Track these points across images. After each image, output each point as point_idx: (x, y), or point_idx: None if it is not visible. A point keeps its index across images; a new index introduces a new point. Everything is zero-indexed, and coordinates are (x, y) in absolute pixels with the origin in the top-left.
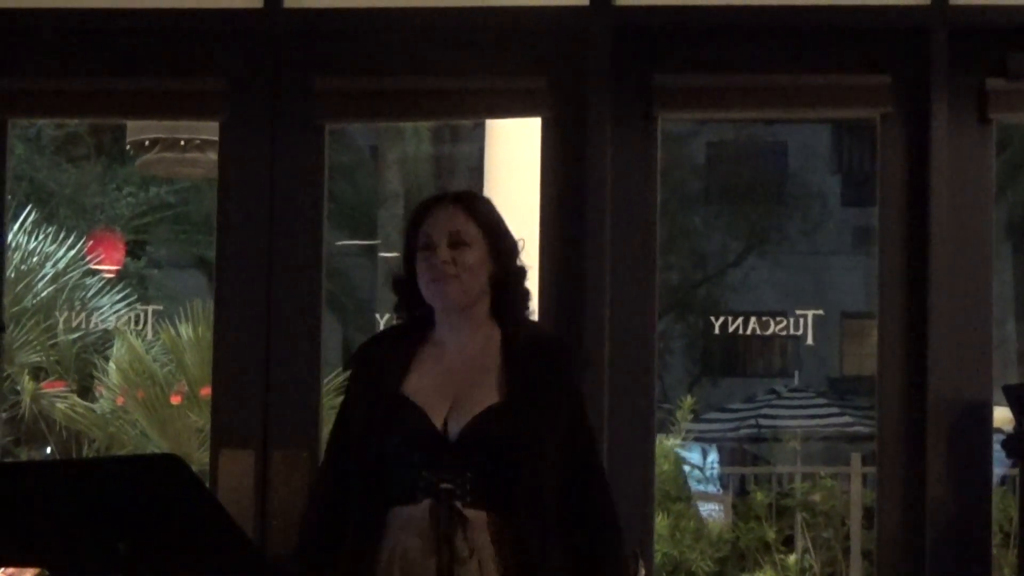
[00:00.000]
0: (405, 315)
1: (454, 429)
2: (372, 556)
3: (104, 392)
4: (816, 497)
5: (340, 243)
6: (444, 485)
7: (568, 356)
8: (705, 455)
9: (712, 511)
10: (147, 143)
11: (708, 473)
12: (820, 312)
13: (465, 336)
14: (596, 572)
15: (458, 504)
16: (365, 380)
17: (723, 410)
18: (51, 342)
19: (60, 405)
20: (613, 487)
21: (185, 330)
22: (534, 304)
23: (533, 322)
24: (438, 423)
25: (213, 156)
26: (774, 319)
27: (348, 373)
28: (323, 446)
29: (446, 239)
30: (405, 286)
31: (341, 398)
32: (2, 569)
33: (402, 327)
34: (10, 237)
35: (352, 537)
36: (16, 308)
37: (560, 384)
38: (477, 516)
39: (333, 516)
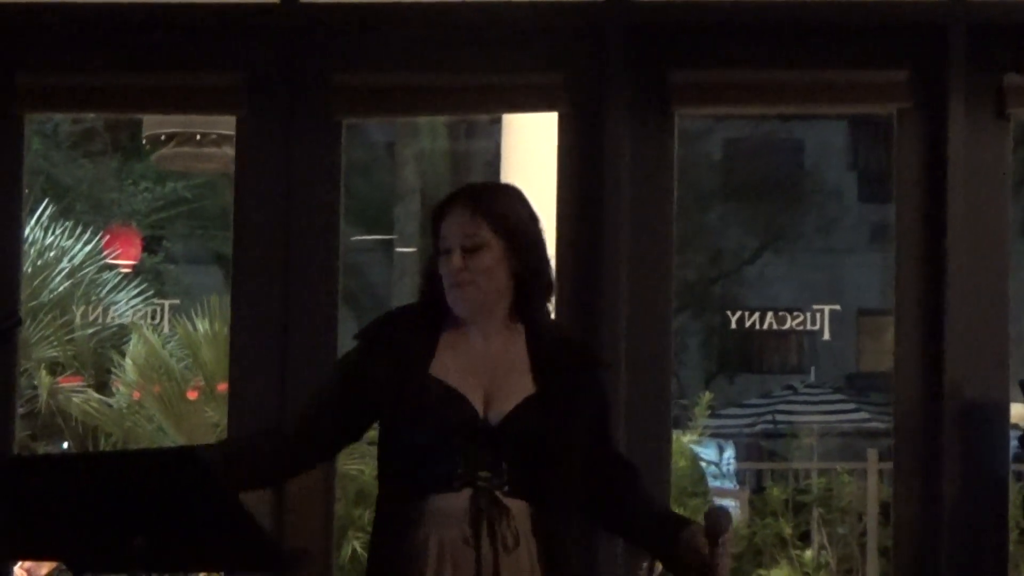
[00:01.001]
0: (425, 297)
1: (494, 417)
2: (410, 543)
3: (120, 387)
4: (833, 493)
5: (356, 238)
6: (483, 474)
7: (595, 359)
8: (721, 451)
9: (728, 507)
10: (163, 138)
11: (724, 469)
12: (837, 307)
13: (489, 329)
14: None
15: (498, 494)
16: (386, 359)
17: (739, 406)
18: (68, 337)
19: (76, 400)
20: None
21: (202, 325)
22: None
23: (556, 323)
24: (480, 410)
25: (229, 151)
26: (791, 315)
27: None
28: None
29: (459, 245)
30: (434, 280)
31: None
32: (19, 563)
33: (418, 309)
34: (27, 232)
35: (383, 525)
36: (33, 303)
37: (588, 385)
38: (515, 506)
39: (298, 444)
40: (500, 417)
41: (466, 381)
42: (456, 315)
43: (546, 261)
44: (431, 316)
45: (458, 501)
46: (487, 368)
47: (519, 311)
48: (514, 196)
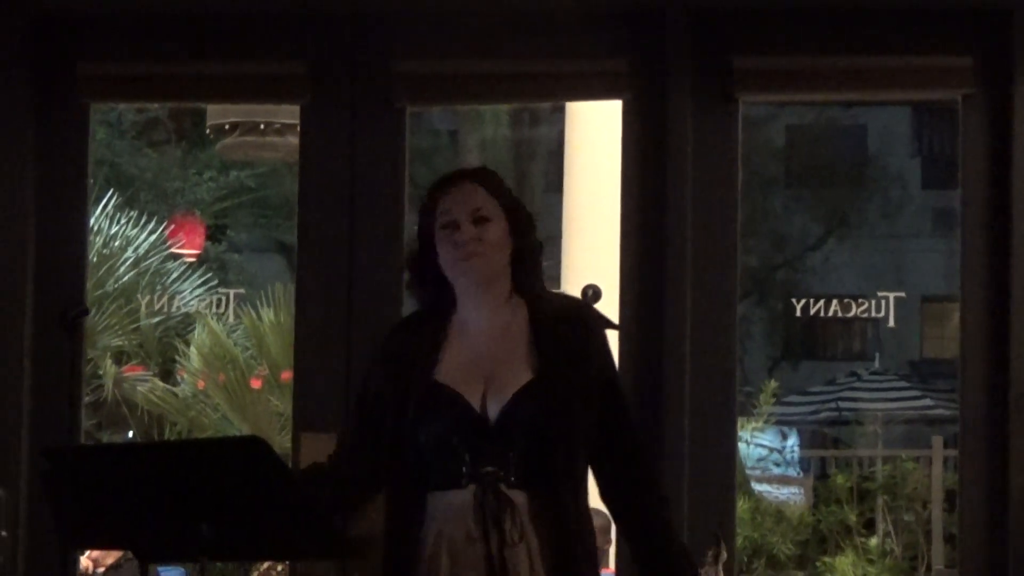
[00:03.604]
0: (422, 297)
1: (492, 411)
2: (415, 542)
3: (185, 376)
4: (897, 480)
5: None
6: (487, 468)
7: (593, 321)
8: (784, 438)
9: (792, 494)
10: (227, 127)
11: (788, 456)
12: (901, 294)
13: (489, 312)
14: (638, 519)
15: (502, 487)
16: (396, 367)
17: (804, 393)
18: (133, 326)
19: (141, 389)
20: (694, 471)
21: (266, 314)
22: (614, 289)
23: (555, 293)
24: (476, 406)
25: (292, 140)
26: (855, 302)
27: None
28: None
29: (469, 216)
30: (419, 264)
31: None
32: (87, 552)
33: (422, 313)
34: (92, 221)
35: (392, 523)
36: (98, 292)
37: (589, 351)
38: (518, 497)
39: (358, 466)
40: (498, 410)
41: (467, 378)
42: (460, 301)
43: (541, 246)
44: (434, 318)
45: (462, 497)
46: (487, 358)
47: (518, 290)
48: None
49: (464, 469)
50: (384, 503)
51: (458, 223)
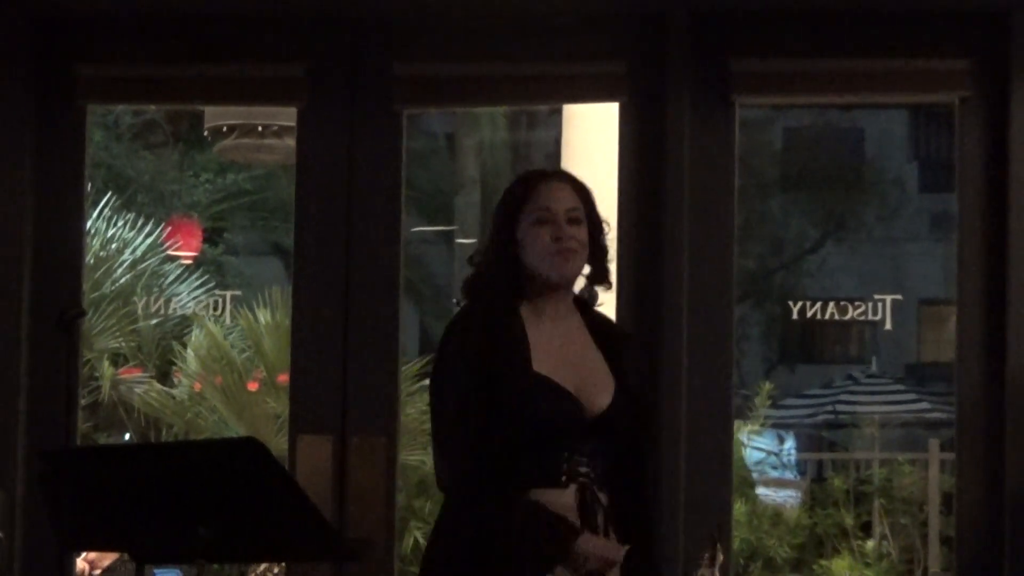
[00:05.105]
0: (497, 283)
1: (590, 412)
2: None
3: (182, 378)
4: (894, 483)
5: (416, 229)
6: (582, 469)
7: (642, 349)
8: (782, 441)
9: (789, 497)
10: (224, 129)
11: (785, 459)
12: (898, 297)
13: (563, 311)
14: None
15: (595, 488)
16: (488, 360)
17: (800, 396)
18: (130, 328)
19: (138, 391)
20: (691, 473)
21: (263, 316)
22: (610, 292)
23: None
24: (586, 406)
25: (290, 142)
26: (852, 304)
27: (465, 340)
28: (401, 432)
29: (565, 215)
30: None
31: (436, 373)
32: (83, 554)
33: (480, 308)
34: (89, 224)
35: (486, 522)
36: (95, 294)
37: (634, 367)
38: (604, 500)
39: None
40: (596, 412)
41: (565, 375)
42: (535, 295)
43: (607, 257)
44: (507, 307)
45: (565, 497)
46: (574, 358)
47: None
48: None
49: (565, 466)
50: (461, 502)
51: (557, 219)
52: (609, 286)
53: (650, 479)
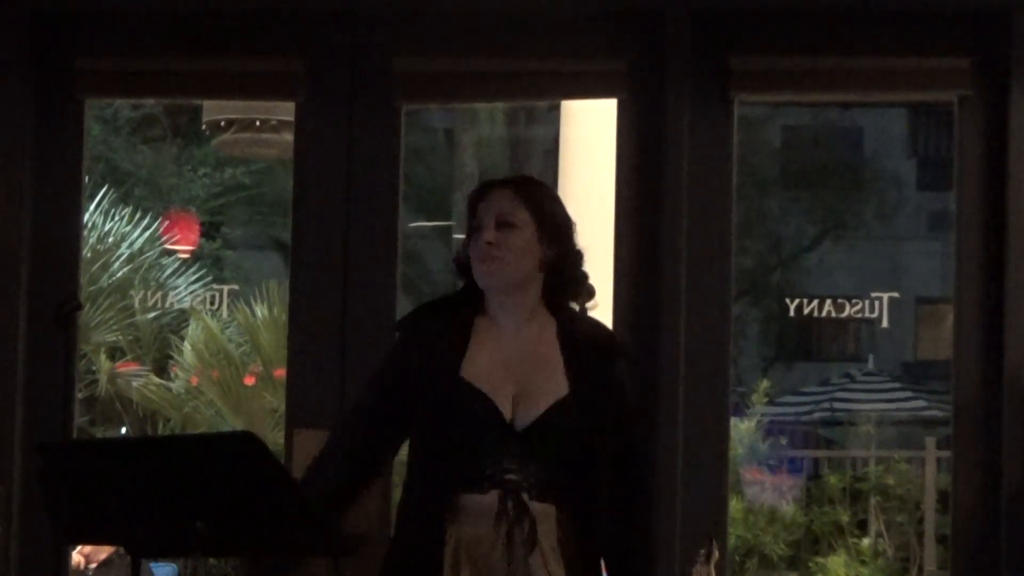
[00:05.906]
0: (454, 298)
1: (522, 420)
2: (439, 540)
3: (179, 372)
4: (890, 481)
5: (414, 225)
6: (510, 476)
7: (619, 353)
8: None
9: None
10: (223, 124)
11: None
12: (896, 295)
13: (516, 320)
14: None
15: (524, 496)
16: (421, 355)
17: (797, 393)
18: (127, 322)
19: (136, 384)
20: (687, 470)
21: (260, 311)
22: (608, 289)
23: (585, 315)
24: (506, 412)
25: (288, 137)
26: (849, 302)
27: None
28: None
29: (493, 221)
30: (465, 267)
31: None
32: (78, 548)
33: (456, 299)
34: (86, 217)
35: (410, 521)
36: (92, 288)
37: (611, 381)
38: (543, 509)
39: (354, 459)
40: (530, 420)
41: (496, 381)
42: (488, 302)
43: (578, 260)
44: (466, 307)
45: (486, 501)
46: (518, 364)
47: (548, 304)
48: (553, 193)
49: (487, 473)
50: (403, 499)
51: (483, 227)
52: (580, 297)
53: (598, 494)
